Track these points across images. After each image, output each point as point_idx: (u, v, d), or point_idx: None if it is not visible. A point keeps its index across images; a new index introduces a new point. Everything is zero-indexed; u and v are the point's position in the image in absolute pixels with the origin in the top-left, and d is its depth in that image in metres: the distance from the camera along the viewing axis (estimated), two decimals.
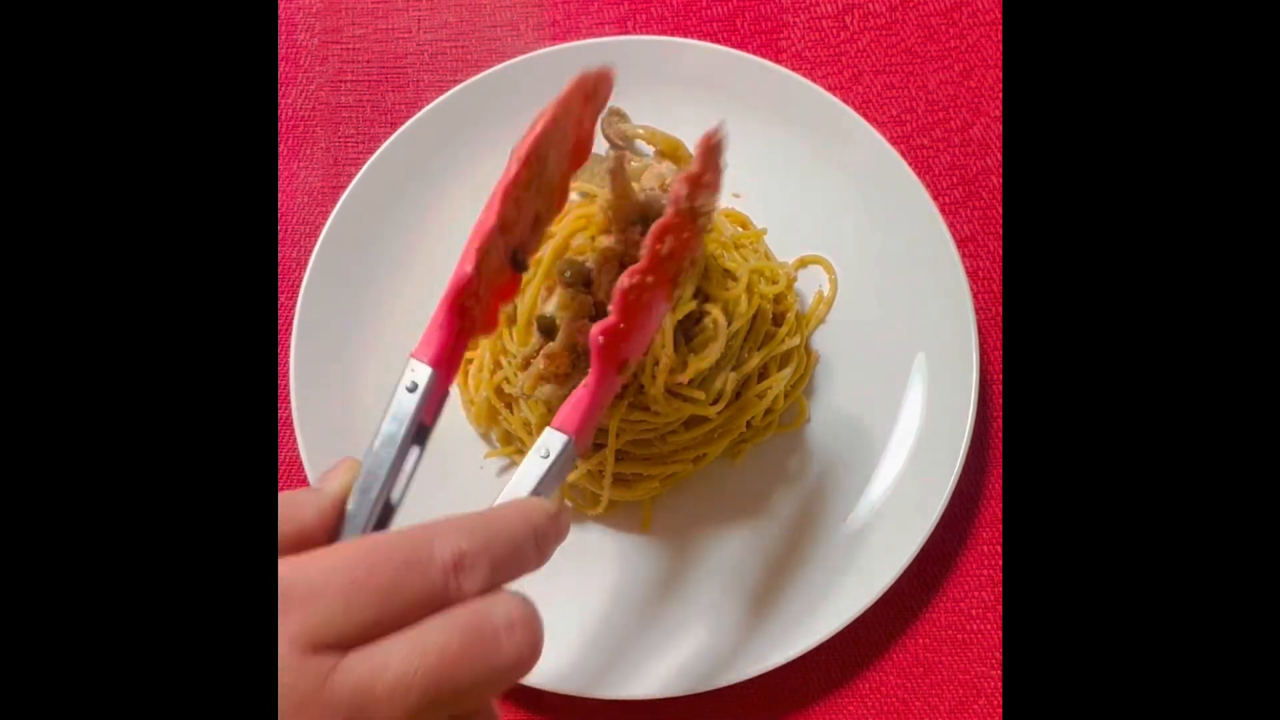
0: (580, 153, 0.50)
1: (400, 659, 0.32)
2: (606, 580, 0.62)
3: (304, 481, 0.63)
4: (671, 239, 0.44)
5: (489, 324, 0.46)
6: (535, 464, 0.42)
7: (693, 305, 0.57)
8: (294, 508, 0.38)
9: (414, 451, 0.42)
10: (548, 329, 0.56)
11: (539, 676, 0.59)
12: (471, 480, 0.64)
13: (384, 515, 0.41)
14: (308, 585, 0.33)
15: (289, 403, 0.62)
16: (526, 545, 0.37)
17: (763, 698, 0.62)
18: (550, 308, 0.56)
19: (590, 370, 0.44)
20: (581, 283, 0.55)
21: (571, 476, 0.60)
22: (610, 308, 0.44)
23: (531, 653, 0.35)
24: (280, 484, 0.65)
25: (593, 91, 0.49)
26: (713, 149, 0.47)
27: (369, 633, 0.33)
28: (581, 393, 0.43)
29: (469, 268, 0.44)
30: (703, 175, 0.46)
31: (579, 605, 0.61)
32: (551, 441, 0.42)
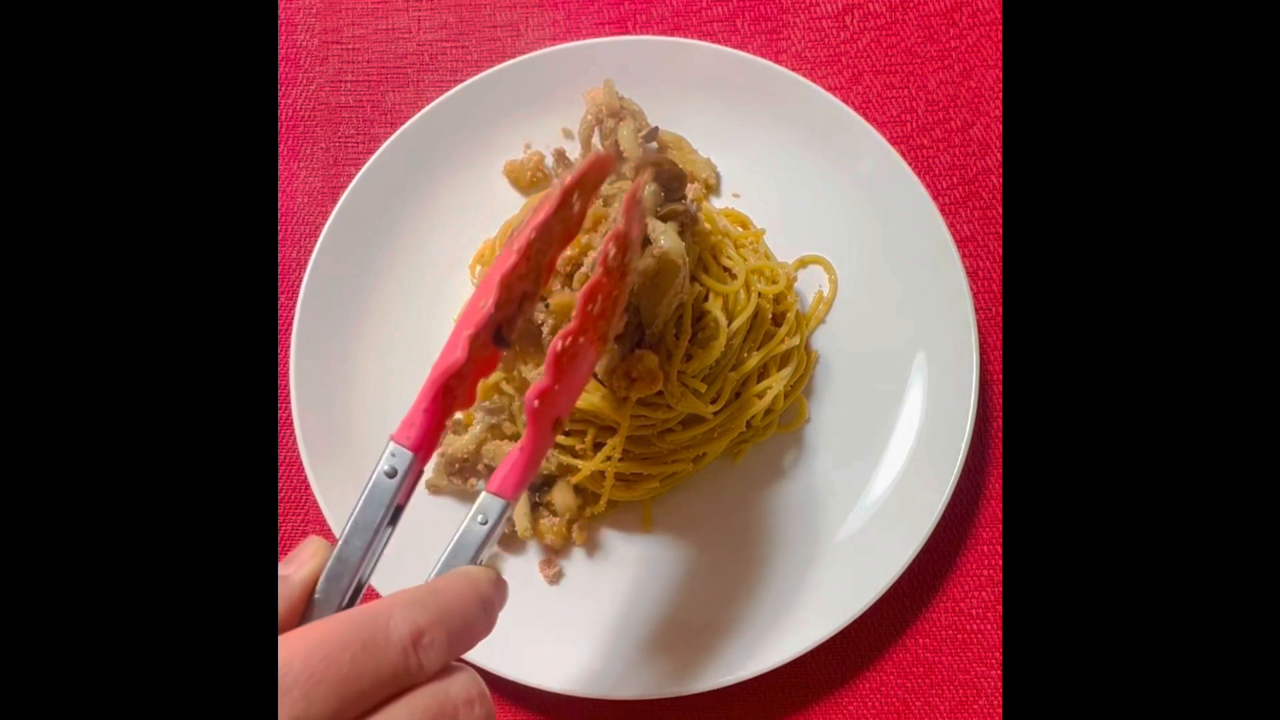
0: (570, 235, 0.48)
1: None
2: (607, 580, 0.62)
3: (304, 481, 0.63)
4: (601, 298, 0.45)
5: (469, 400, 0.45)
6: (474, 530, 0.42)
7: (697, 290, 0.57)
8: None
9: (388, 531, 0.42)
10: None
11: (539, 676, 0.59)
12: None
13: (354, 596, 0.40)
14: None
15: (289, 403, 0.63)
16: (477, 614, 0.38)
17: (763, 698, 0.62)
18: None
19: (525, 432, 0.43)
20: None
21: (575, 478, 0.60)
22: (544, 369, 0.43)
23: None
24: (280, 484, 0.66)
25: (593, 179, 0.48)
26: (635, 204, 0.47)
27: None
28: (516, 455, 0.43)
29: (460, 355, 0.42)
30: (630, 232, 0.47)
31: (579, 605, 0.61)
32: (489, 507, 0.42)
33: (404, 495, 0.42)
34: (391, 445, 0.42)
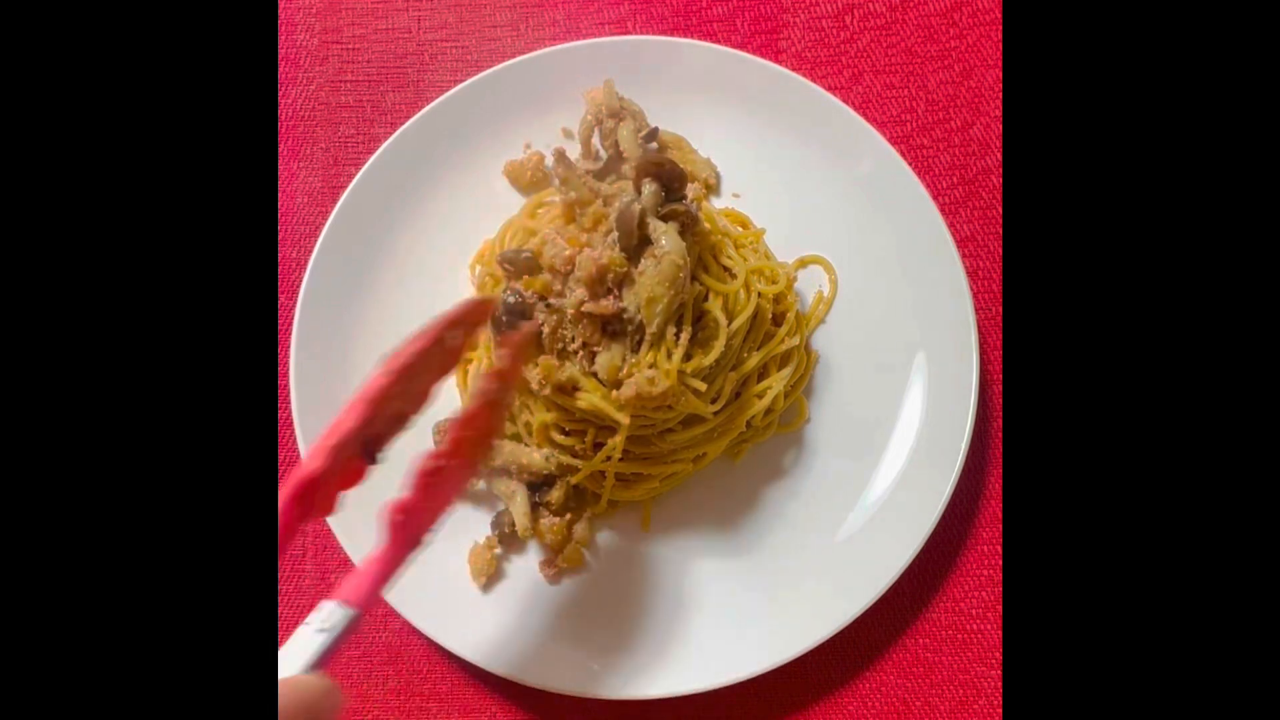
0: (448, 366, 0.51)
1: None
2: (606, 580, 0.62)
3: None
4: (478, 427, 0.47)
5: (327, 508, 0.45)
6: (311, 639, 0.38)
7: (697, 290, 0.57)
8: None
9: None
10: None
11: (539, 676, 0.59)
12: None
13: None
14: None
15: (289, 403, 0.62)
16: None
17: (764, 697, 0.62)
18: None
19: (383, 543, 0.42)
20: (520, 315, 0.56)
21: (575, 478, 0.60)
22: (411, 483, 0.43)
23: None
24: (280, 483, 0.65)
25: (472, 320, 0.51)
26: (526, 344, 0.50)
27: None
28: (372, 564, 0.42)
29: (316, 465, 0.42)
30: (514, 372, 0.48)
31: (579, 605, 0.61)
32: (332, 616, 0.39)
33: None
34: None
